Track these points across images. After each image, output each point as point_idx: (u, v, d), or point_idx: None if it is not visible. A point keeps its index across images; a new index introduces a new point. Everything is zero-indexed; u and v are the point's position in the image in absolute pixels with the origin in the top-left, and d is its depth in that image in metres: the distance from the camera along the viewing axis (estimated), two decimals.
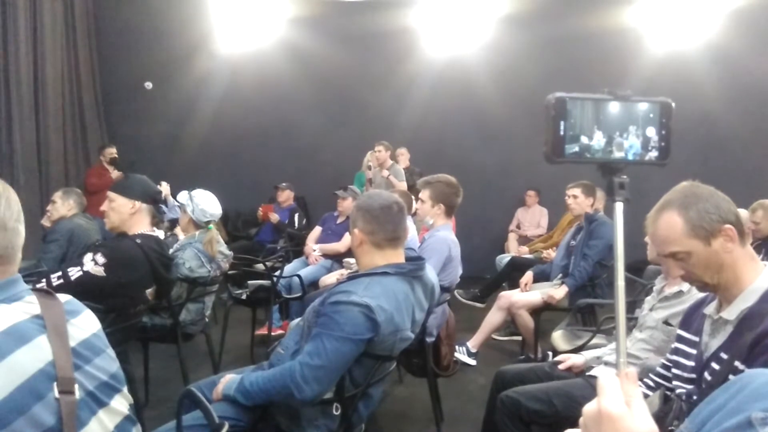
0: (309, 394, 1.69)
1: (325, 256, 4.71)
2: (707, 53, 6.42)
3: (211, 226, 3.18)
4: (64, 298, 1.14)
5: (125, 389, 1.18)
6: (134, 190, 2.53)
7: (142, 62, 7.15)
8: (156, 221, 2.60)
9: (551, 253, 4.54)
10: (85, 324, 1.14)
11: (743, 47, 6.32)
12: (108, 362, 1.15)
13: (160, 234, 2.79)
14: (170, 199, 4.82)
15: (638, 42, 6.62)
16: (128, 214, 2.50)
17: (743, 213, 2.71)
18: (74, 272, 2.27)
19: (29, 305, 1.05)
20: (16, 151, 5.97)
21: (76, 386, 1.03)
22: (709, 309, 1.52)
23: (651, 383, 1.78)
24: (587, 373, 2.23)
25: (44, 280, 2.28)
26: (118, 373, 1.17)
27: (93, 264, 2.28)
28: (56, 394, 0.98)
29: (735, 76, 6.37)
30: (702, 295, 1.65)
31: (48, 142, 6.36)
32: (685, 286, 2.13)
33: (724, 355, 1.40)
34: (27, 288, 1.09)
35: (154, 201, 2.57)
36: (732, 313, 1.42)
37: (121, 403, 1.15)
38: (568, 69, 6.36)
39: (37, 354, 0.99)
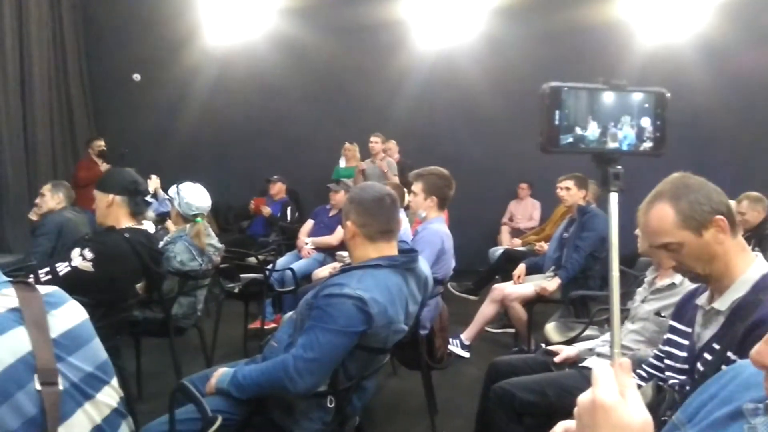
0: (302, 387, 1.69)
1: (318, 249, 4.70)
2: (697, 46, 6.44)
3: (199, 219, 3.16)
4: (45, 289, 1.11)
5: (114, 381, 1.16)
6: (108, 184, 2.53)
7: (130, 54, 7.07)
8: (134, 212, 2.56)
9: (544, 246, 4.55)
10: (67, 315, 1.12)
11: (732, 40, 6.34)
12: (94, 353, 1.13)
13: (150, 227, 2.77)
14: (160, 192, 4.79)
15: (629, 35, 6.62)
16: (105, 208, 2.50)
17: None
18: (62, 267, 2.24)
19: (6, 298, 1.03)
20: (4, 144, 5.91)
21: (60, 378, 1.01)
22: (701, 300, 1.52)
23: (644, 374, 1.79)
24: (580, 365, 2.24)
25: (32, 276, 2.25)
26: (105, 364, 1.14)
27: (81, 259, 2.26)
28: (37, 385, 0.97)
29: (724, 69, 6.40)
30: (694, 286, 1.66)
31: (35, 135, 6.30)
32: (678, 279, 2.14)
33: (716, 346, 1.41)
34: (5, 281, 1.06)
35: (129, 192, 2.53)
36: (724, 303, 1.43)
37: (110, 396, 1.13)
38: (559, 61, 6.36)
39: (13, 344, 0.97)
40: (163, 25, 6.94)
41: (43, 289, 1.10)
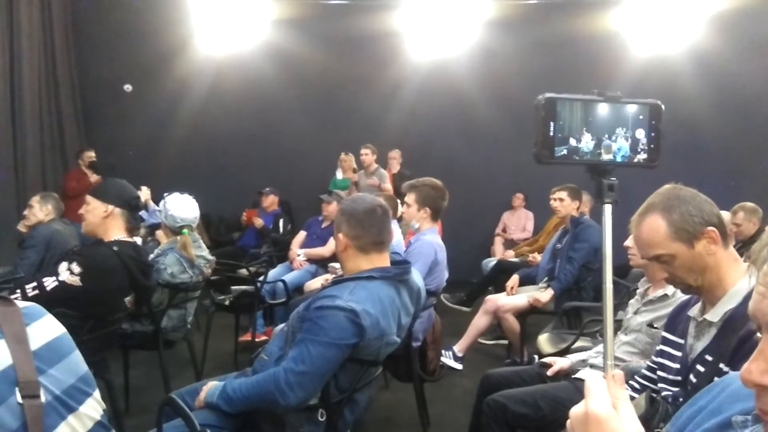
0: (293, 400, 1.66)
1: (310, 260, 4.68)
2: (690, 57, 6.51)
3: (185, 231, 3.13)
4: (22, 304, 1.11)
5: (97, 394, 1.15)
6: (109, 194, 2.49)
7: (121, 64, 7.05)
8: (131, 227, 2.53)
9: (537, 257, 4.56)
10: (47, 327, 1.11)
11: (725, 51, 6.42)
12: (75, 365, 1.12)
13: (138, 240, 2.74)
14: (151, 203, 4.76)
15: (623, 46, 6.69)
16: (101, 218, 2.45)
17: (725, 215, 2.75)
18: (49, 282, 2.21)
19: None
20: None
21: (42, 390, 1.00)
22: (694, 311, 1.52)
23: (637, 386, 1.78)
24: (573, 376, 2.23)
25: (19, 290, 2.22)
26: (86, 375, 1.13)
27: (69, 274, 2.23)
28: (19, 398, 0.96)
29: (718, 80, 6.47)
30: (686, 297, 1.66)
31: (25, 146, 6.24)
32: (670, 290, 2.14)
33: (708, 357, 1.41)
34: None
35: (130, 207, 2.50)
36: (716, 315, 1.43)
37: (93, 408, 1.12)
38: (553, 72, 6.41)
39: None
40: (155, 35, 6.93)
41: (20, 304, 1.10)
